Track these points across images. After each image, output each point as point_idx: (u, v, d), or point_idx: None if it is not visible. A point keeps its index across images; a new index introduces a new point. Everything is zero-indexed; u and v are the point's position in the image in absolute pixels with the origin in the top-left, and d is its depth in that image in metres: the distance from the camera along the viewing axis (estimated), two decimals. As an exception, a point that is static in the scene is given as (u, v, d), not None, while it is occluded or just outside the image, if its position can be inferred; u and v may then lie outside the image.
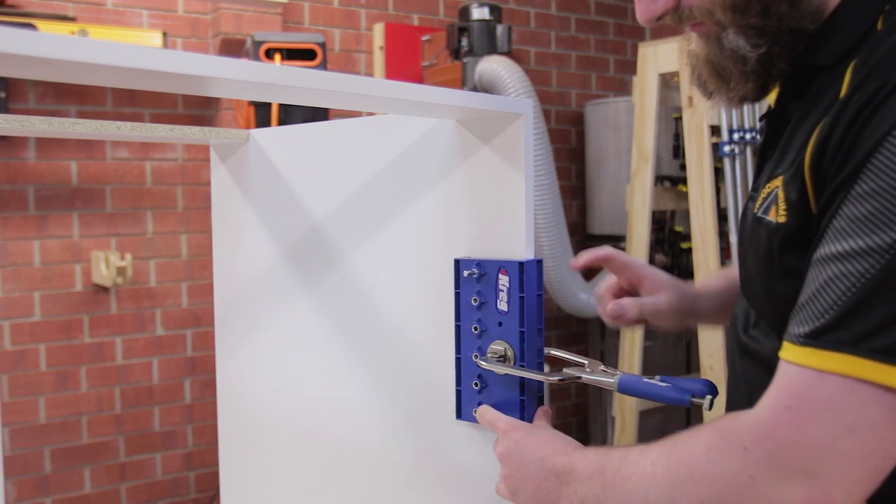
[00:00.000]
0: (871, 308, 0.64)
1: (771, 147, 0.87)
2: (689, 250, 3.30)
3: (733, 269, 1.07)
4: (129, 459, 3.13)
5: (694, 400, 0.89)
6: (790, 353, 0.68)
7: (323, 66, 2.87)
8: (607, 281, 1.17)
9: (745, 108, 3.23)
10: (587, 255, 1.11)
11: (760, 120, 0.95)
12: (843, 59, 0.76)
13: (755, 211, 0.81)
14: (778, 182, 0.78)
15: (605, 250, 1.12)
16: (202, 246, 3.20)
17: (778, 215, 0.77)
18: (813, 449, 0.65)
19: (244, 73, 0.68)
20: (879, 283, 0.63)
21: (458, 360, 1.01)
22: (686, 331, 3.71)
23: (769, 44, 0.81)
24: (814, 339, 0.66)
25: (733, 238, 3.23)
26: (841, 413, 0.64)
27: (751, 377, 0.87)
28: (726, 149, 3.20)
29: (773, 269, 0.78)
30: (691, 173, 3.14)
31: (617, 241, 3.82)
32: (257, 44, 2.80)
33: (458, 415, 1.02)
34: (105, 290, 3.04)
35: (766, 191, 0.81)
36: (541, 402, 0.98)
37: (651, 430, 3.68)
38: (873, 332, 0.63)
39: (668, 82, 3.33)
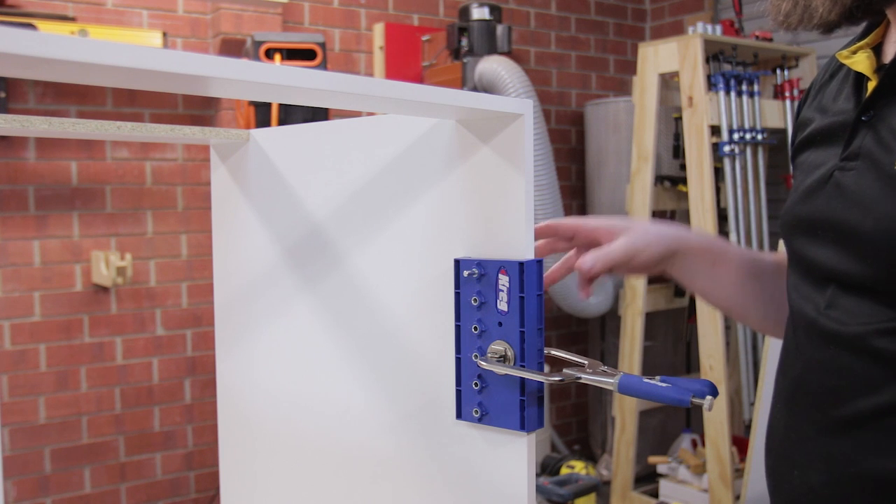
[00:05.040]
0: None
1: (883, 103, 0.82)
2: (689, 250, 3.30)
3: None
4: (129, 459, 3.13)
5: (694, 400, 0.89)
6: None
7: (323, 66, 2.87)
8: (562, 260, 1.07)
9: (745, 107, 3.23)
10: (539, 231, 1.02)
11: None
12: None
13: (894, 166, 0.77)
14: None
15: (549, 221, 1.04)
16: (202, 246, 3.20)
17: None
18: None
19: (244, 73, 0.67)
20: None
21: (458, 360, 1.01)
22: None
23: None
24: None
25: (733, 237, 3.22)
26: None
27: (834, 361, 0.83)
28: (726, 149, 3.20)
29: None
30: (691, 173, 3.14)
31: (617, 241, 3.82)
32: (257, 44, 2.80)
33: (458, 415, 1.02)
34: (105, 290, 3.04)
35: None
36: (541, 403, 0.98)
37: (651, 430, 3.67)
38: None
39: (668, 82, 3.33)
